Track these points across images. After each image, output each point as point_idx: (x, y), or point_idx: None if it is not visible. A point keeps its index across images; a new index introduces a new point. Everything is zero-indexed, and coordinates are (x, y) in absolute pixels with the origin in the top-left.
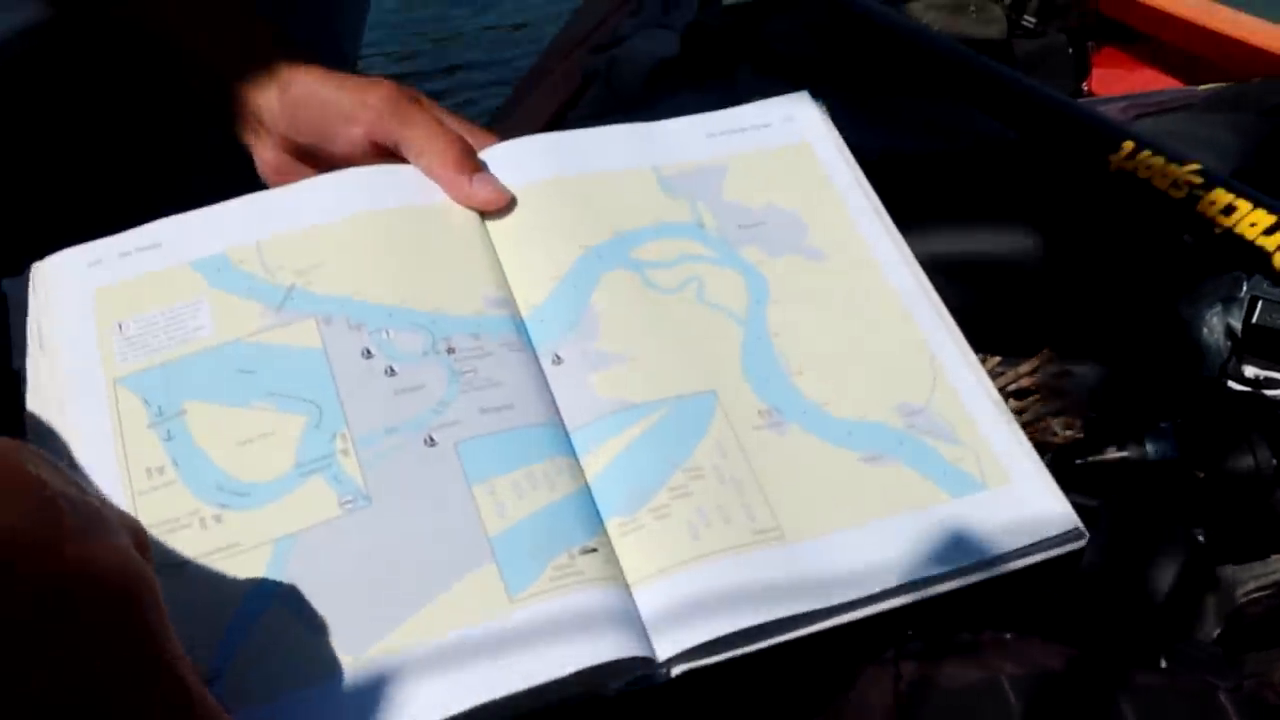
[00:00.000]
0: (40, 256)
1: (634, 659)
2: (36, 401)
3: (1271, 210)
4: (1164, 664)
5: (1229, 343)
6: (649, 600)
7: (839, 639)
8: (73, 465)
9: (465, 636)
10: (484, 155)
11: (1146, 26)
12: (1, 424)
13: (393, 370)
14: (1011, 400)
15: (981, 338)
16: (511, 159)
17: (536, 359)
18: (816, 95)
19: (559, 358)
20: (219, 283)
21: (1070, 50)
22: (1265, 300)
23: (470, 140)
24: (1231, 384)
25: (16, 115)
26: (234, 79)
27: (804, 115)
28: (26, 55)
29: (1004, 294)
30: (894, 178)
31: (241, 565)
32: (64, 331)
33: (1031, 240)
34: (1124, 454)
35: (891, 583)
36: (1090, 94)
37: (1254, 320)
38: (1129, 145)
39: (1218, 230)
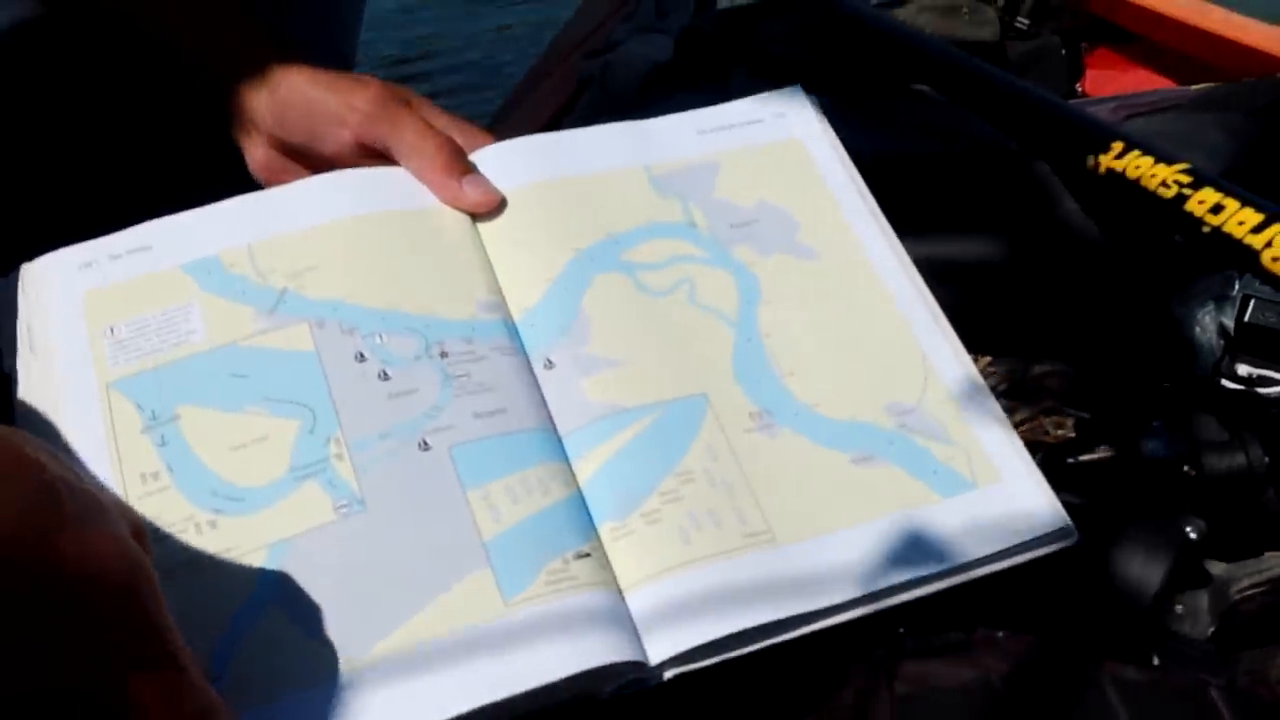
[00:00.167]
0: (29, 257)
1: (627, 663)
2: (28, 404)
3: (1259, 209)
4: (1156, 661)
5: (1222, 341)
6: (641, 604)
7: (831, 640)
8: None
9: (461, 640)
10: (474, 157)
11: (1139, 27)
12: None
13: (386, 374)
14: (1003, 399)
15: (973, 338)
16: (502, 160)
17: (529, 363)
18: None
19: (550, 362)
20: (210, 286)
21: (1063, 51)
22: (1257, 298)
23: (462, 139)
24: (1225, 382)
25: (5, 113)
26: (225, 77)
27: (796, 111)
28: (15, 53)
29: (995, 294)
30: (886, 180)
31: (237, 570)
32: (55, 334)
33: (1023, 241)
34: (1116, 453)
35: (883, 584)
36: (1083, 94)
37: (1246, 319)
38: (1118, 145)
39: (1206, 229)
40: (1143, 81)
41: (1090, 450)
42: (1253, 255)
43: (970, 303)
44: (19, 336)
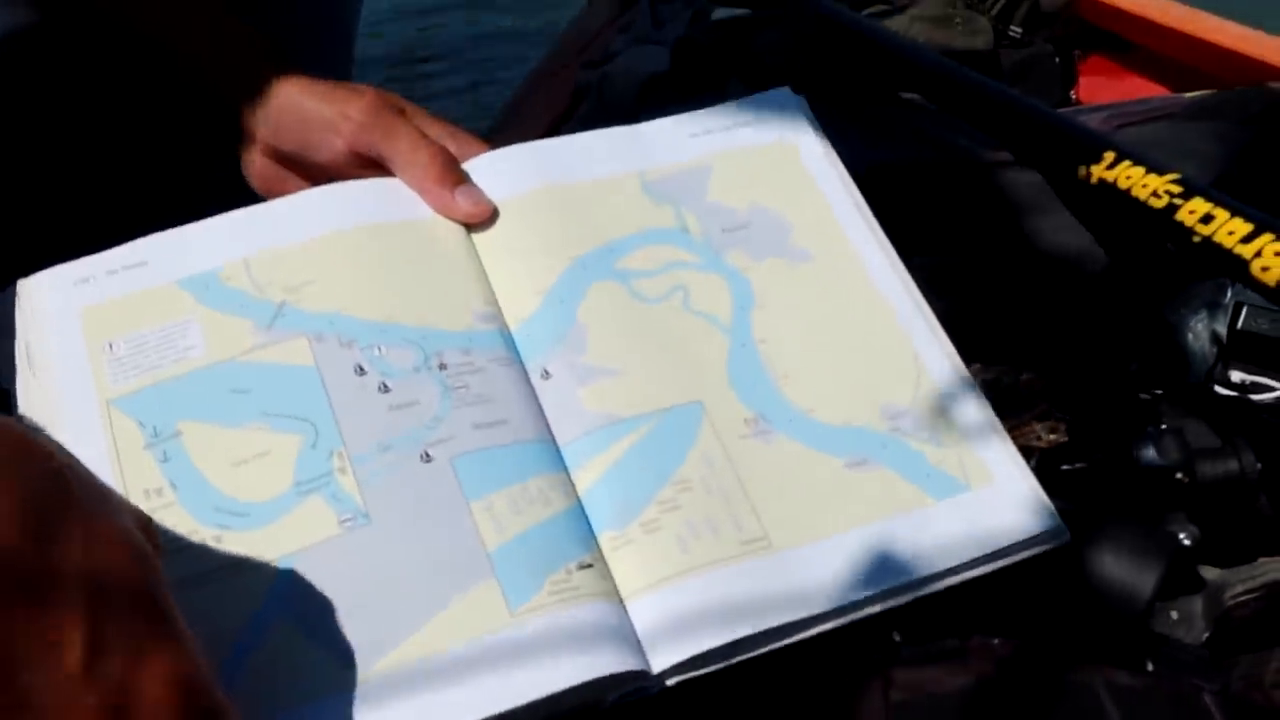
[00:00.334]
0: (25, 272)
1: (631, 672)
2: (28, 421)
3: (1249, 219)
4: (1150, 667)
5: (1215, 348)
6: (642, 613)
7: (828, 646)
8: None
9: (468, 650)
10: (468, 165)
11: (1132, 34)
12: None
13: (386, 386)
14: (994, 405)
15: (964, 344)
16: (495, 169)
17: (526, 373)
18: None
19: (547, 372)
20: (208, 300)
21: (1057, 59)
22: (1250, 305)
23: (456, 148)
24: (1218, 389)
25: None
26: (220, 85)
27: (786, 112)
28: (9, 62)
29: (987, 301)
30: (880, 188)
31: (243, 585)
32: (54, 351)
33: (1016, 249)
34: (1109, 459)
35: (878, 588)
36: (1077, 102)
37: (1239, 325)
38: (1110, 155)
39: (1196, 239)
40: (1136, 89)
41: (1083, 456)
42: (1242, 264)
43: (962, 309)
44: (17, 353)
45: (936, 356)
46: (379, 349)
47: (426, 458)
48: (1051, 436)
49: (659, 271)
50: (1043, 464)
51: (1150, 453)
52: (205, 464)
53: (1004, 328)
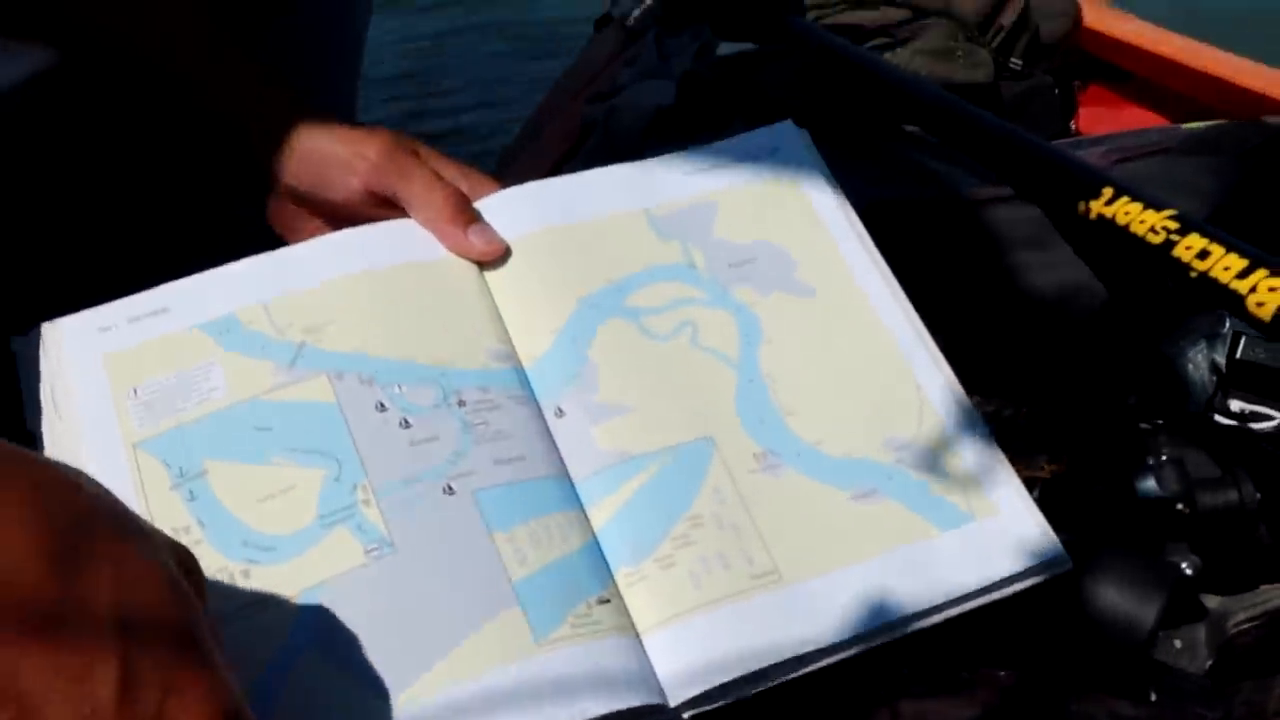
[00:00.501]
0: (47, 314)
1: (649, 706)
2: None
3: (1244, 254)
4: (1153, 696)
5: (1214, 378)
6: (658, 648)
7: (837, 678)
8: None
9: (494, 679)
10: (480, 205)
11: (1132, 65)
12: None
13: (407, 422)
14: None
15: (965, 378)
16: (506, 208)
17: (540, 411)
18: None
19: (561, 410)
20: (229, 344)
21: (1057, 90)
22: (1248, 335)
23: (468, 188)
24: (1217, 418)
25: (22, 168)
26: (238, 128)
27: (789, 145)
28: (33, 105)
29: (988, 335)
30: (881, 224)
31: (272, 617)
32: (79, 397)
33: (1016, 282)
34: (1110, 490)
35: (885, 619)
36: (1078, 133)
37: (1238, 355)
38: (1108, 191)
39: (1193, 274)
40: (1136, 119)
41: (1084, 487)
42: (1238, 300)
43: (963, 343)
44: (42, 397)
45: (939, 388)
46: (399, 386)
47: (449, 490)
48: (1053, 467)
49: (667, 308)
50: (1044, 495)
51: (1150, 484)
52: (231, 501)
53: (1004, 361)
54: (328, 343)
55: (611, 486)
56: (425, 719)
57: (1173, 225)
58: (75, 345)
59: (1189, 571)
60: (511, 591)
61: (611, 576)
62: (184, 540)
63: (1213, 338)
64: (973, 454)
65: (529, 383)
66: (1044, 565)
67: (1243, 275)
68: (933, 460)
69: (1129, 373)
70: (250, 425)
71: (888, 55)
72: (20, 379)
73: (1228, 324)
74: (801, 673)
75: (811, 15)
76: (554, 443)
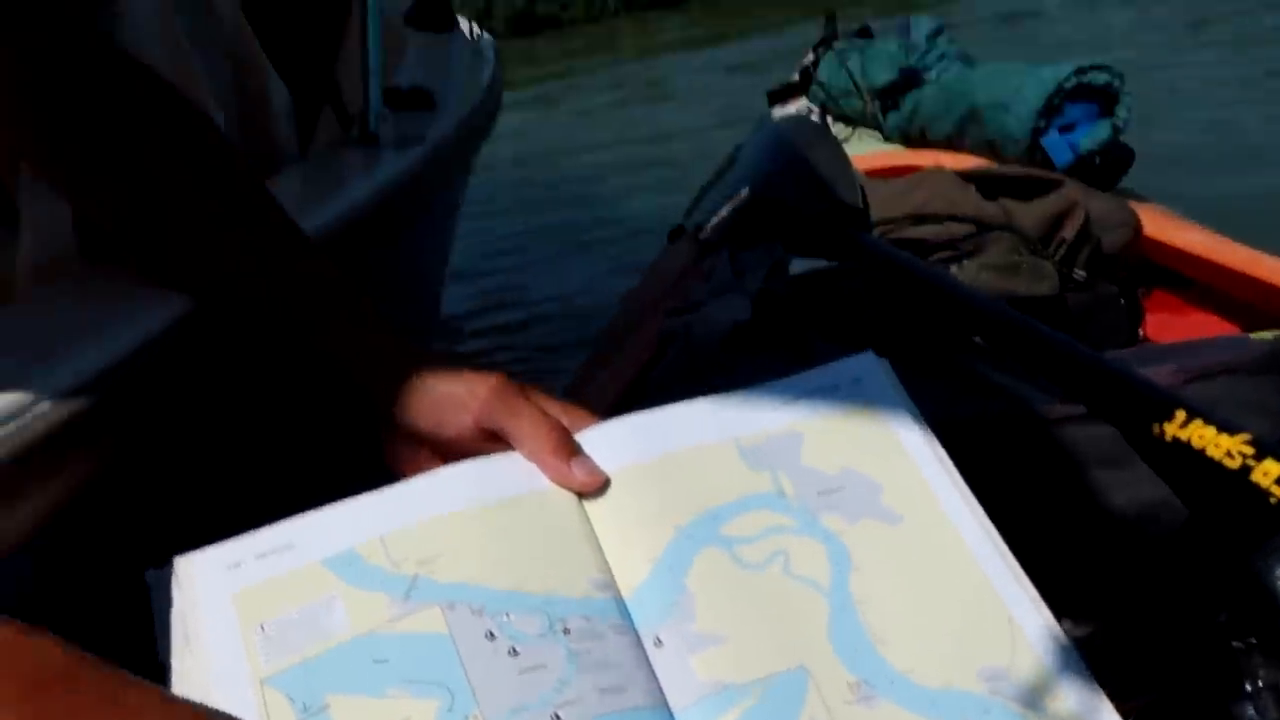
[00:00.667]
0: (180, 545)
1: None
2: (183, 697)
3: None
4: None
5: None
6: None
7: None
8: None
9: None
10: (579, 438)
11: (1195, 273)
12: None
13: (515, 651)
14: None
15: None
16: (604, 441)
17: (640, 640)
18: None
19: (660, 640)
20: (350, 578)
21: (1122, 300)
22: None
23: (569, 422)
24: None
25: (159, 407)
26: (357, 373)
27: (870, 376)
28: (174, 348)
29: (1074, 557)
30: (957, 443)
31: None
32: (209, 632)
33: (1097, 503)
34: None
35: None
36: (1145, 339)
37: None
38: (1181, 414)
39: (1274, 499)
40: (1202, 323)
41: (1181, 716)
42: None
43: (1045, 563)
44: (173, 630)
45: (1029, 614)
46: (507, 615)
47: (556, 719)
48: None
49: (759, 537)
50: None
51: (1249, 711)
52: None
53: (1088, 581)
54: (440, 574)
55: (710, 717)
56: None
57: (1248, 450)
58: (207, 581)
59: None
60: None
61: None
62: None
63: None
64: (1069, 684)
65: (628, 612)
66: None
67: None
68: (1029, 692)
69: (1217, 590)
70: (369, 658)
71: (953, 269)
72: (153, 611)
73: None
74: None
75: (878, 231)
76: (653, 672)
